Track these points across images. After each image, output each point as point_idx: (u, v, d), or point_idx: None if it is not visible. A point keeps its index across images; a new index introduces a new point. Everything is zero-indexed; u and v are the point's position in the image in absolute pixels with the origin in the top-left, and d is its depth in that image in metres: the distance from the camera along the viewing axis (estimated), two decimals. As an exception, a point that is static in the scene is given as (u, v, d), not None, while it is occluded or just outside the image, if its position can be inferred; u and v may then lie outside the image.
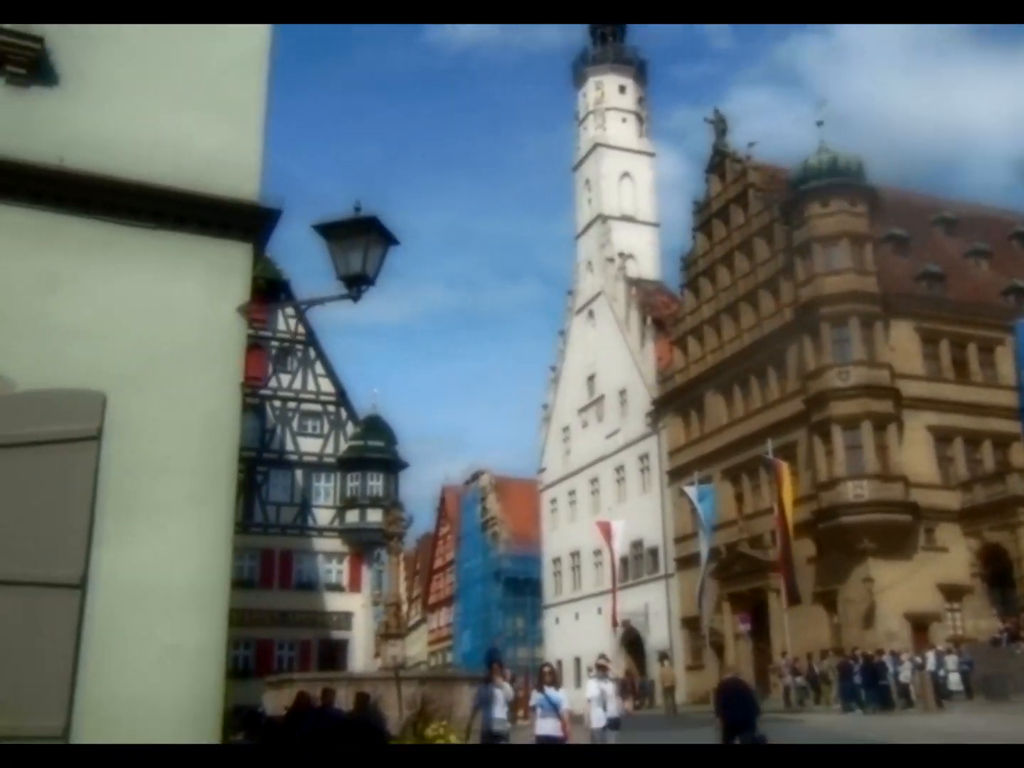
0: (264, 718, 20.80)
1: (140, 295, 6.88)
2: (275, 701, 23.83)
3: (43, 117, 6.93)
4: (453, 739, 12.23)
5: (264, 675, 29.61)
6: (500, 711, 11.68)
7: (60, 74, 7.05)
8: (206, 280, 7.07)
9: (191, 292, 7.01)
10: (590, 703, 13.58)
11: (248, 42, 7.62)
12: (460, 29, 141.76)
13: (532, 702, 12.05)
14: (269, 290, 42.80)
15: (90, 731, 5.96)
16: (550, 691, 11.71)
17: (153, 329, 6.85)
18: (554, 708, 11.57)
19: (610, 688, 13.89)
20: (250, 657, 37.07)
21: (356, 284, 7.02)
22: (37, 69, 6.96)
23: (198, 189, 7.08)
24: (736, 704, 12.23)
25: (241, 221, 7.23)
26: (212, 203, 7.11)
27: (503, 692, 11.87)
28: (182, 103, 7.33)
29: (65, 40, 7.06)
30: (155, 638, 6.30)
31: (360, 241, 6.92)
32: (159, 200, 7.02)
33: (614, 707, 13.85)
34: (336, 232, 7.00)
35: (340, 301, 7.13)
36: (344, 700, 21.22)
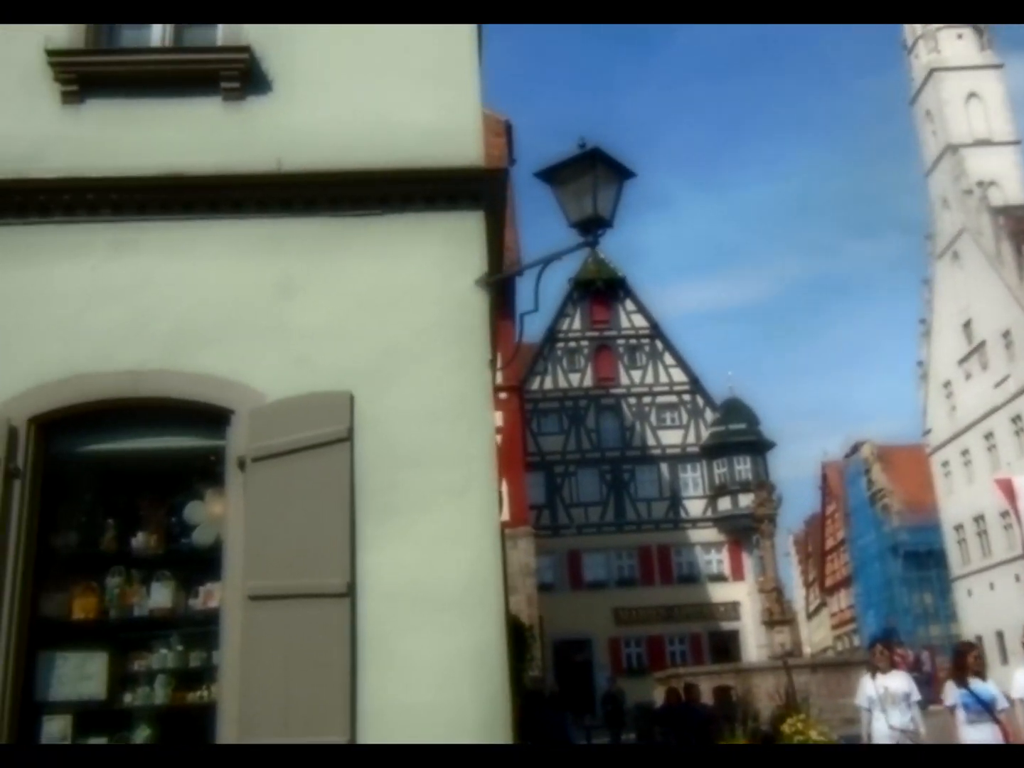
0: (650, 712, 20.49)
1: (374, 285, 6.55)
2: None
3: (261, 125, 6.84)
4: (814, 735, 10.84)
5: (657, 671, 29.41)
6: (896, 712, 8.66)
7: (272, 80, 6.94)
8: (439, 257, 6.62)
9: (425, 272, 6.58)
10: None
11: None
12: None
13: (950, 700, 8.58)
14: (608, 290, 43.12)
15: (375, 741, 5.62)
16: (976, 684, 8.44)
17: (391, 318, 6.49)
18: (986, 708, 8.26)
19: None
20: (642, 654, 37.10)
21: (592, 229, 6.24)
22: (249, 80, 6.88)
23: (418, 164, 6.66)
24: None
25: (467, 189, 6.71)
26: (434, 175, 6.66)
27: (897, 684, 8.89)
28: (391, 80, 6.96)
29: (271, 44, 6.94)
30: (430, 641, 5.86)
31: (588, 180, 6.14)
32: (381, 183, 6.68)
33: None
34: (560, 175, 6.27)
35: (579, 250, 6.38)
36: (736, 692, 20.36)
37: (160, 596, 6.19)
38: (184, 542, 6.35)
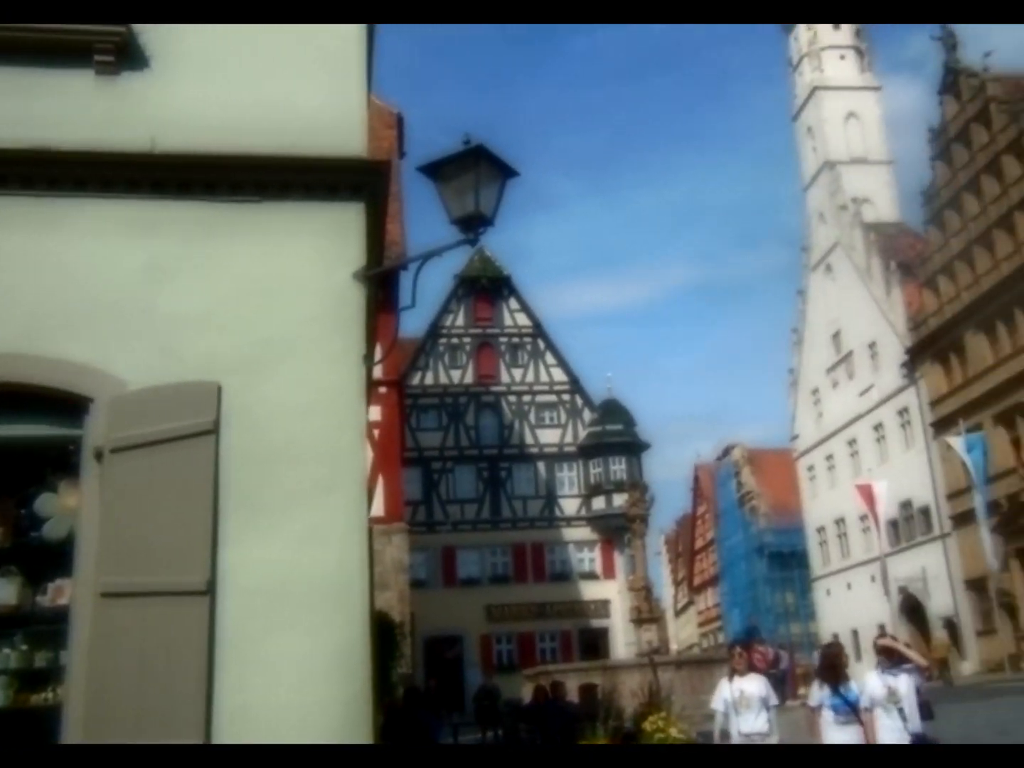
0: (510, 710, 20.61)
1: (248, 274, 6.37)
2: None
3: (135, 103, 6.57)
4: (674, 733, 11.03)
5: (528, 668, 29.55)
6: (749, 716, 8.56)
7: (149, 56, 6.68)
8: (317, 248, 6.47)
9: (302, 263, 6.43)
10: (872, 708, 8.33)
11: (338, -12, 6.97)
12: None
13: (815, 701, 8.59)
14: (492, 288, 43.18)
15: (232, 743, 5.46)
16: (844, 685, 8.44)
17: (265, 308, 6.32)
18: (852, 710, 8.28)
19: (904, 683, 8.38)
20: (513, 651, 37.27)
21: (473, 226, 6.19)
22: (125, 55, 6.61)
23: (299, 152, 6.50)
24: None
25: (349, 180, 6.58)
26: (314, 164, 6.52)
27: (753, 687, 8.74)
28: (275, 65, 6.79)
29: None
30: (292, 640, 5.73)
31: (470, 177, 6.09)
32: (259, 170, 6.50)
33: (911, 705, 8.35)
34: (444, 171, 6.20)
35: (460, 247, 6.33)
36: (602, 689, 20.59)
37: (5, 592, 5.89)
38: (34, 536, 6.05)
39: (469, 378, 40.83)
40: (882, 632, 15.89)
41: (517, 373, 41.49)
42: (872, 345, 45.38)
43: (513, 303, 42.36)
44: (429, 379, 40.37)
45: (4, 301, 6.05)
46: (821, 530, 51.22)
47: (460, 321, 41.54)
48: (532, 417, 41.10)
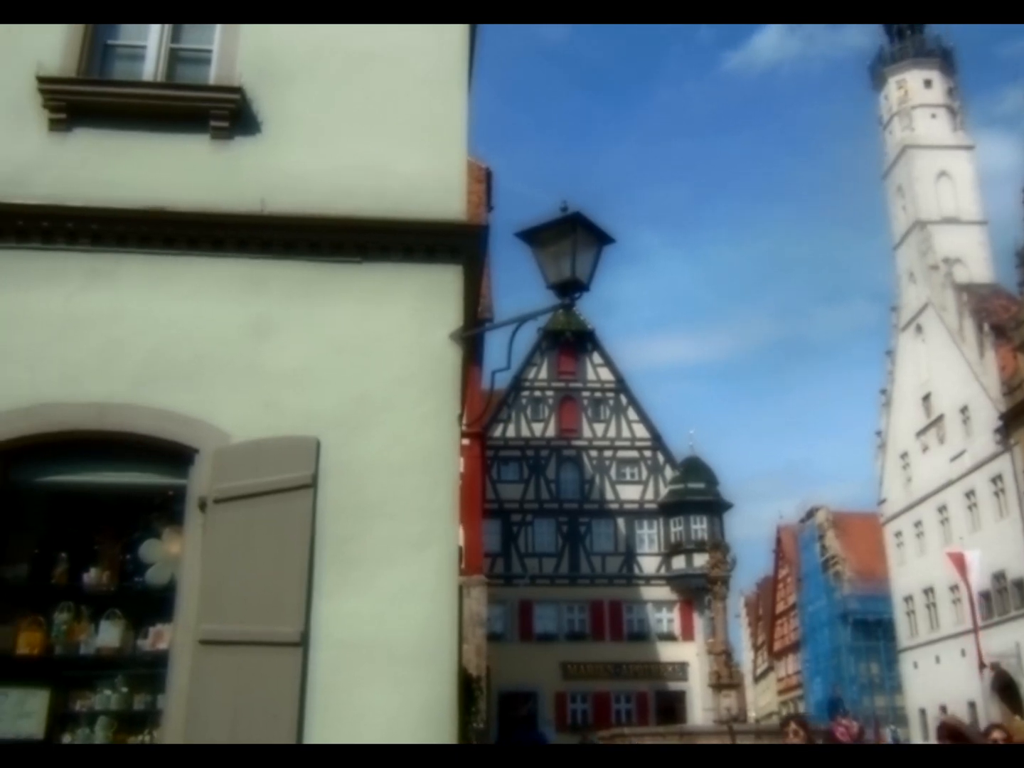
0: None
1: (348, 332, 6.56)
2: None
3: (246, 166, 6.86)
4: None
5: (602, 728, 29.13)
6: None
7: (261, 121, 6.98)
8: (415, 309, 6.64)
9: (400, 323, 6.60)
10: None
11: (442, 57, 7.23)
12: (759, 51, 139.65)
13: None
14: (576, 341, 43.37)
15: (318, 798, 5.53)
16: None
17: (364, 366, 6.49)
18: None
19: None
20: (588, 710, 36.75)
21: (568, 291, 6.30)
22: (238, 120, 6.92)
23: (400, 215, 6.70)
24: None
25: (446, 242, 6.76)
26: (414, 227, 6.71)
27: None
28: (379, 130, 7.03)
29: (262, 86, 6.99)
30: (381, 694, 5.80)
31: (567, 243, 6.21)
32: (361, 232, 6.71)
33: None
34: (541, 237, 6.34)
35: (552, 313, 6.43)
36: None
37: (108, 635, 6.08)
38: (137, 580, 6.26)
39: (551, 431, 40.87)
40: (943, 710, 15.03)
41: (599, 428, 41.41)
42: (964, 409, 44.21)
43: (596, 357, 42.43)
44: (511, 431, 40.51)
45: (118, 353, 6.32)
46: (909, 599, 49.63)
47: (543, 374, 41.71)
48: (613, 473, 40.90)
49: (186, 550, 6.03)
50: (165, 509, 6.33)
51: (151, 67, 6.98)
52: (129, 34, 7.09)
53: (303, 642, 5.82)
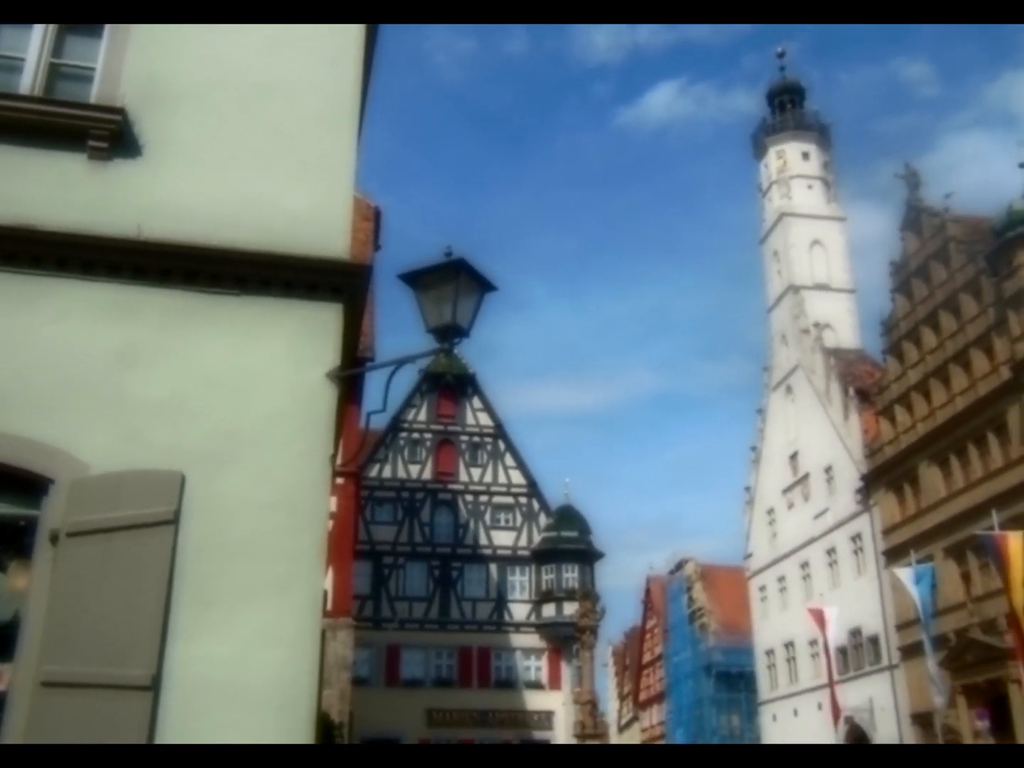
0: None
1: (221, 366, 6.39)
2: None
3: (124, 189, 6.66)
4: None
5: (465, 777, 28.66)
6: None
7: (142, 144, 6.80)
8: (292, 346, 6.52)
9: (275, 359, 6.47)
10: None
11: (334, 94, 7.19)
12: (651, 108, 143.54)
13: None
14: (457, 385, 43.39)
15: (161, 852, 5.27)
16: None
17: (235, 401, 6.33)
18: None
19: None
20: (452, 758, 36.23)
21: (448, 336, 6.29)
22: (119, 141, 6.72)
23: (282, 250, 6.60)
24: None
25: (328, 280, 6.67)
26: (295, 263, 6.61)
27: None
28: (265, 163, 6.93)
29: (146, 109, 6.83)
30: (234, 740, 5.57)
31: (449, 289, 6.21)
32: (241, 264, 6.57)
33: None
34: (424, 280, 6.32)
35: (432, 356, 6.41)
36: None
37: (-58, 673, 5.70)
38: (-23, 615, 5.90)
39: (428, 474, 40.66)
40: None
41: (476, 472, 41.40)
42: (828, 469, 45.82)
43: (476, 402, 42.51)
44: (387, 472, 40.14)
45: (-28, 375, 6.01)
46: (770, 652, 50.81)
47: (423, 416, 41.56)
48: (488, 518, 40.87)
49: (33, 585, 5.73)
50: (14, 541, 5.99)
51: (28, 80, 6.72)
52: (7, 45, 6.84)
53: (154, 685, 5.57)
